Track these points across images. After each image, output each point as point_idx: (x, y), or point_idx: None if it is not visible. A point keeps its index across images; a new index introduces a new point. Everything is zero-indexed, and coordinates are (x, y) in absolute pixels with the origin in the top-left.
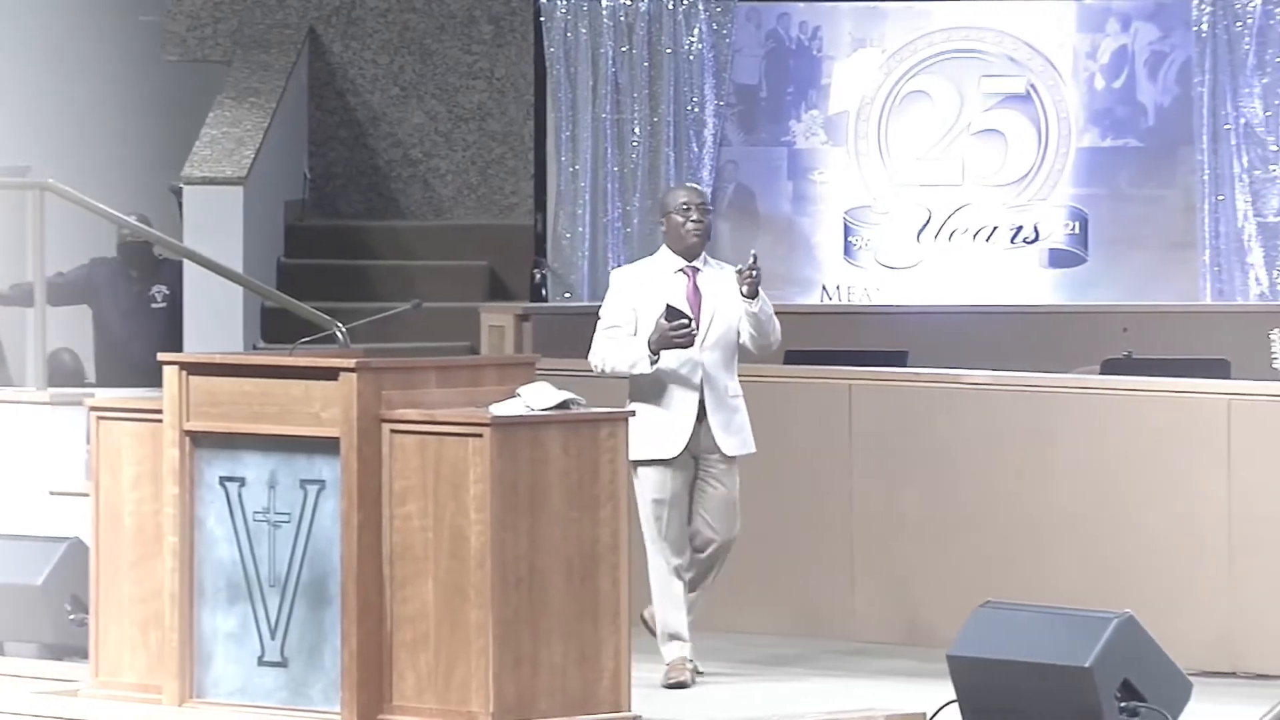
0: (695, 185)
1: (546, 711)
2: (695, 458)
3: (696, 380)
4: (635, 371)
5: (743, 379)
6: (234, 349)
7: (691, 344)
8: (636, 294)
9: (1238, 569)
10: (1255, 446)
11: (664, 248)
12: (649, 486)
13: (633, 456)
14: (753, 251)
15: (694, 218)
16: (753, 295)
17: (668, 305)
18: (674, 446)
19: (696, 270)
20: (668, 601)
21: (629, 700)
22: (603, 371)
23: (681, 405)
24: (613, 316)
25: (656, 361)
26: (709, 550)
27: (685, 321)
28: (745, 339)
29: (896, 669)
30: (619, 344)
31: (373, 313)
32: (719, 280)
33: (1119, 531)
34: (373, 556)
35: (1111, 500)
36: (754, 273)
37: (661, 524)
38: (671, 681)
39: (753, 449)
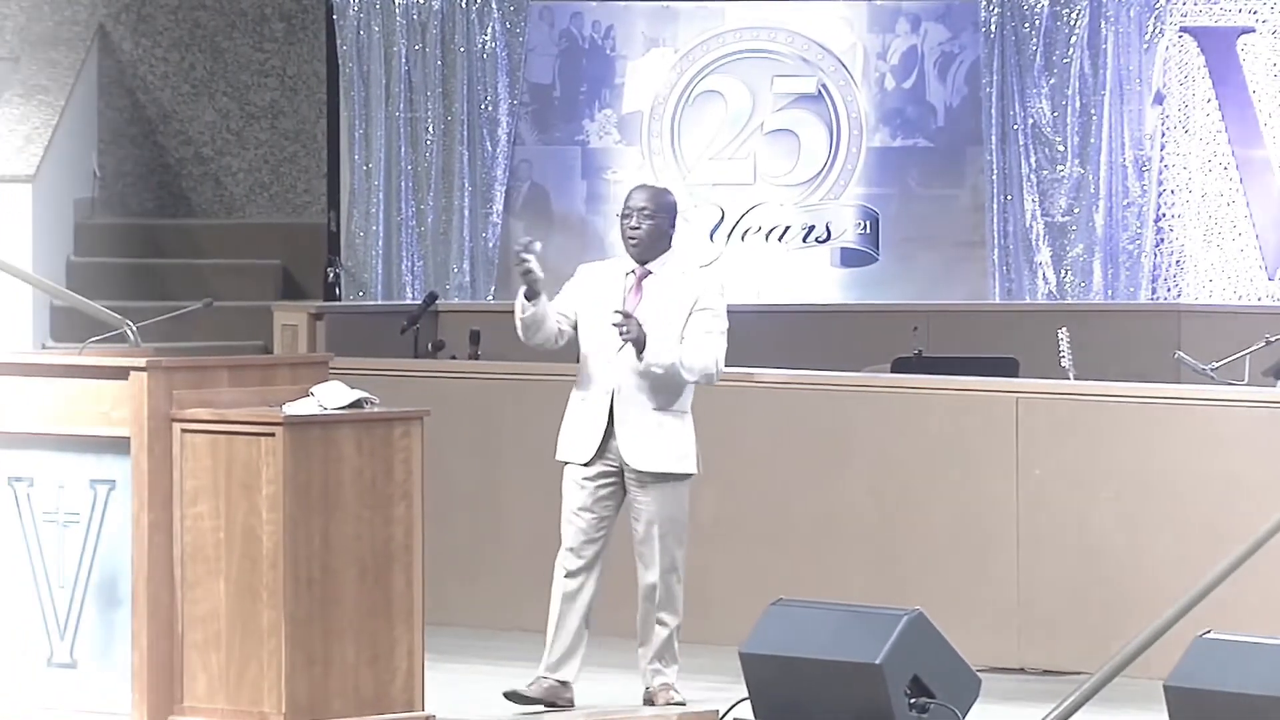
0: (649, 187)
1: (339, 711)
2: (621, 471)
3: (609, 386)
4: (520, 316)
5: (533, 378)
6: (23, 348)
7: (533, 277)
8: (585, 288)
9: (1025, 566)
10: (1043, 444)
11: None
12: (564, 488)
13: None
14: (525, 241)
15: (631, 224)
16: (638, 348)
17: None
18: (584, 452)
19: (649, 273)
20: (554, 609)
21: (423, 699)
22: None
23: (594, 410)
24: (558, 300)
25: (529, 306)
26: (641, 592)
27: (522, 247)
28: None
29: (689, 666)
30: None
31: (164, 311)
32: (673, 287)
33: (909, 529)
34: (164, 557)
35: (902, 498)
36: (624, 329)
37: (567, 529)
38: (511, 691)
39: (677, 469)
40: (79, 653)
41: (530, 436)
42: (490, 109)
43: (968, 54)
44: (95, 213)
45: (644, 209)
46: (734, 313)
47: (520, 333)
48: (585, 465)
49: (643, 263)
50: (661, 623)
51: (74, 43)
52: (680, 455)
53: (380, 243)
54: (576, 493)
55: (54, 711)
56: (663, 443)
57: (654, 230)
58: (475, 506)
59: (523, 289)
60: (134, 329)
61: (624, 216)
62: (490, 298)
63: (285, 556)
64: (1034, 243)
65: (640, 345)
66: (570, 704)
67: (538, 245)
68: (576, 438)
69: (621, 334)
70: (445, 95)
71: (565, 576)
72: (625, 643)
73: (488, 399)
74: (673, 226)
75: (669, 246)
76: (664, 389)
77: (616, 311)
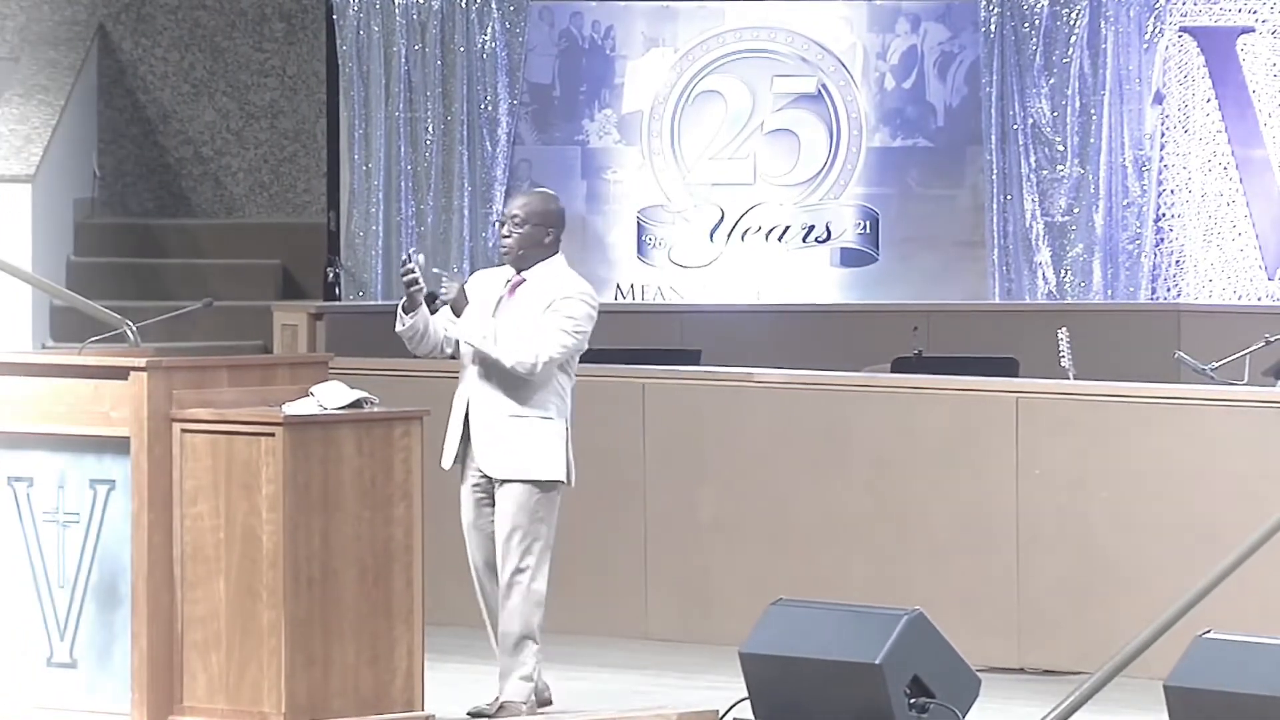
0: (525, 194)
1: (339, 711)
2: (489, 478)
3: (466, 391)
4: (398, 329)
5: None
6: (22, 348)
7: (416, 288)
8: (475, 292)
9: (1025, 566)
10: (1043, 444)
11: None
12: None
13: None
14: (408, 252)
15: (502, 232)
16: (429, 304)
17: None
18: (446, 458)
19: (523, 281)
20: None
21: (423, 699)
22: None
23: (456, 415)
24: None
25: (406, 319)
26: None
27: (403, 260)
28: None
29: (689, 666)
30: None
31: (164, 311)
32: (540, 292)
33: (909, 529)
34: (163, 557)
35: (902, 498)
36: (407, 274)
37: (468, 545)
38: (474, 709)
39: (530, 475)
40: (79, 653)
41: None
42: (490, 109)
43: (967, 54)
44: (95, 212)
45: (514, 216)
46: (734, 312)
47: (407, 345)
48: (461, 475)
49: (518, 270)
50: (506, 631)
51: (74, 42)
52: (536, 461)
53: (380, 242)
54: (464, 509)
55: (54, 711)
56: (518, 448)
57: (523, 239)
58: None
59: (401, 302)
60: (134, 329)
61: (500, 223)
62: None
63: (285, 556)
64: (1034, 242)
65: (457, 311)
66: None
67: (420, 257)
68: (446, 443)
69: (402, 276)
70: (445, 95)
71: (480, 595)
72: (615, 641)
73: None
74: (549, 234)
75: (548, 254)
76: (516, 392)
77: (404, 258)
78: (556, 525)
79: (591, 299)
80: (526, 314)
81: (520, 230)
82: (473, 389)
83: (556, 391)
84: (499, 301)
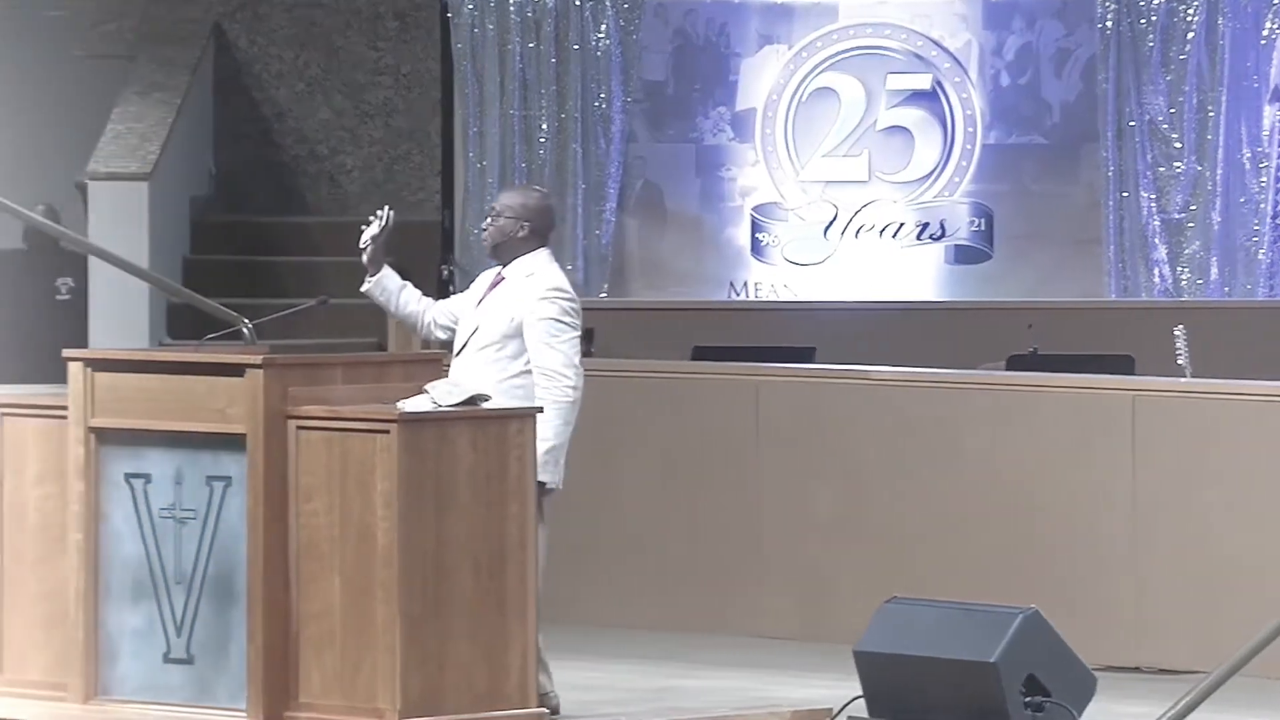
0: (509, 189)
1: (453, 708)
2: None
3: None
4: (362, 289)
5: (648, 375)
6: (139, 345)
7: (361, 246)
8: (470, 290)
9: (1142, 565)
10: (1159, 442)
11: None
12: None
13: None
14: (388, 211)
15: (481, 225)
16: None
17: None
18: None
19: (503, 280)
20: None
21: (536, 697)
22: None
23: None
24: (455, 298)
25: (367, 280)
26: None
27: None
28: None
29: (803, 664)
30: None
31: (279, 309)
32: (514, 291)
33: (1024, 527)
34: (279, 553)
35: (1017, 496)
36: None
37: None
38: None
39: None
40: (195, 649)
41: (643, 434)
42: (604, 107)
43: (1083, 50)
44: (211, 210)
45: (493, 209)
46: (848, 309)
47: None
48: None
49: (501, 264)
50: None
51: (190, 41)
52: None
53: None
54: None
55: (171, 708)
56: None
57: (498, 232)
58: (588, 503)
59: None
60: (249, 326)
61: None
62: (603, 295)
63: (400, 553)
64: (1150, 240)
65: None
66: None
67: (387, 210)
68: None
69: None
70: (559, 93)
71: None
72: (729, 639)
73: (601, 396)
74: (523, 227)
75: (526, 249)
76: (498, 398)
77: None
78: (549, 529)
79: (563, 294)
80: (504, 310)
81: (495, 223)
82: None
83: (539, 391)
84: (482, 298)
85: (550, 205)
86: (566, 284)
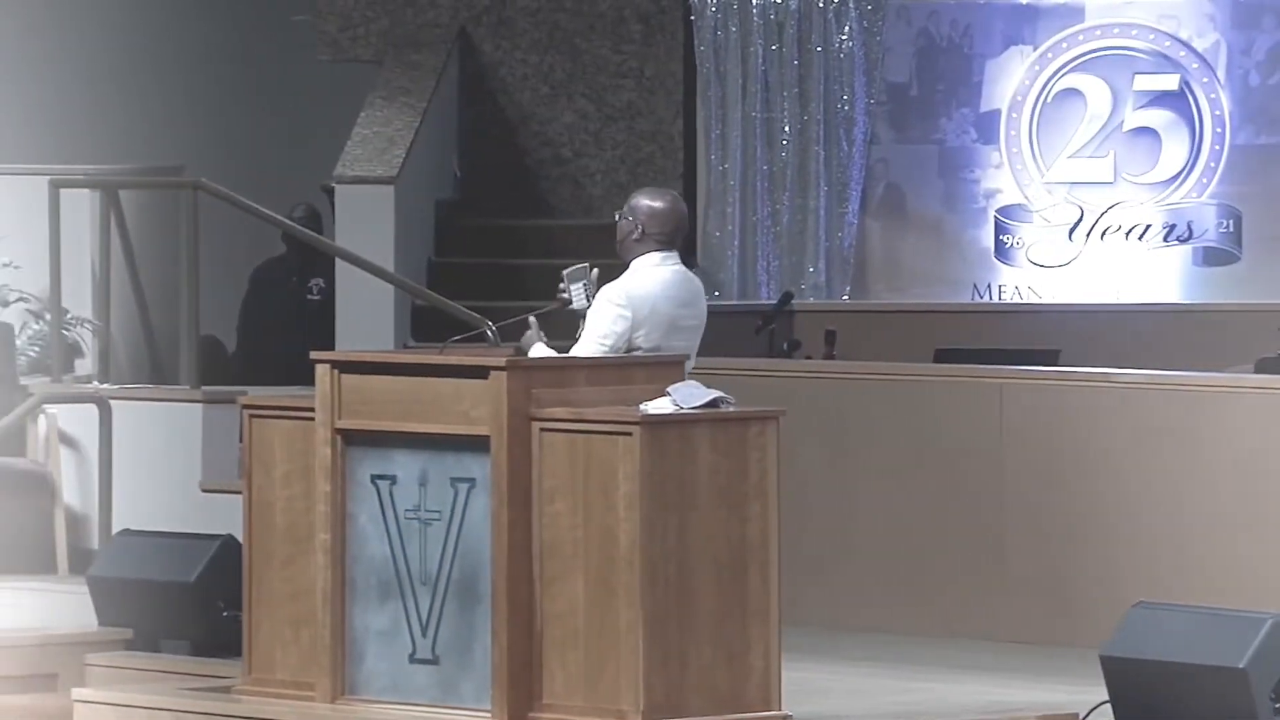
0: (639, 190)
1: (696, 710)
2: None
3: None
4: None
5: (890, 378)
6: (385, 347)
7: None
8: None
9: None
10: None
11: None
12: None
13: None
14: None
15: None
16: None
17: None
18: None
19: None
20: None
21: (779, 699)
22: None
23: None
24: None
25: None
26: None
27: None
28: None
29: (1049, 669)
30: None
31: (523, 311)
32: None
33: (1272, 532)
34: (522, 554)
35: (1265, 500)
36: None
37: None
38: None
39: None
40: (440, 649)
41: (884, 436)
42: (847, 108)
43: None
44: (456, 213)
45: (621, 208)
46: (1093, 312)
47: None
48: None
49: (626, 262)
50: None
51: (436, 45)
52: None
53: (736, 242)
54: None
55: (417, 708)
56: None
57: (619, 231)
58: (828, 506)
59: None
60: (494, 329)
61: None
62: (845, 297)
63: (642, 555)
64: None
65: None
66: None
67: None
68: None
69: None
70: (802, 95)
71: None
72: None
73: (842, 399)
74: (640, 230)
75: (642, 251)
76: None
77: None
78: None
79: (613, 299)
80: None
81: (619, 223)
82: None
83: None
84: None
85: (669, 209)
86: (634, 289)
